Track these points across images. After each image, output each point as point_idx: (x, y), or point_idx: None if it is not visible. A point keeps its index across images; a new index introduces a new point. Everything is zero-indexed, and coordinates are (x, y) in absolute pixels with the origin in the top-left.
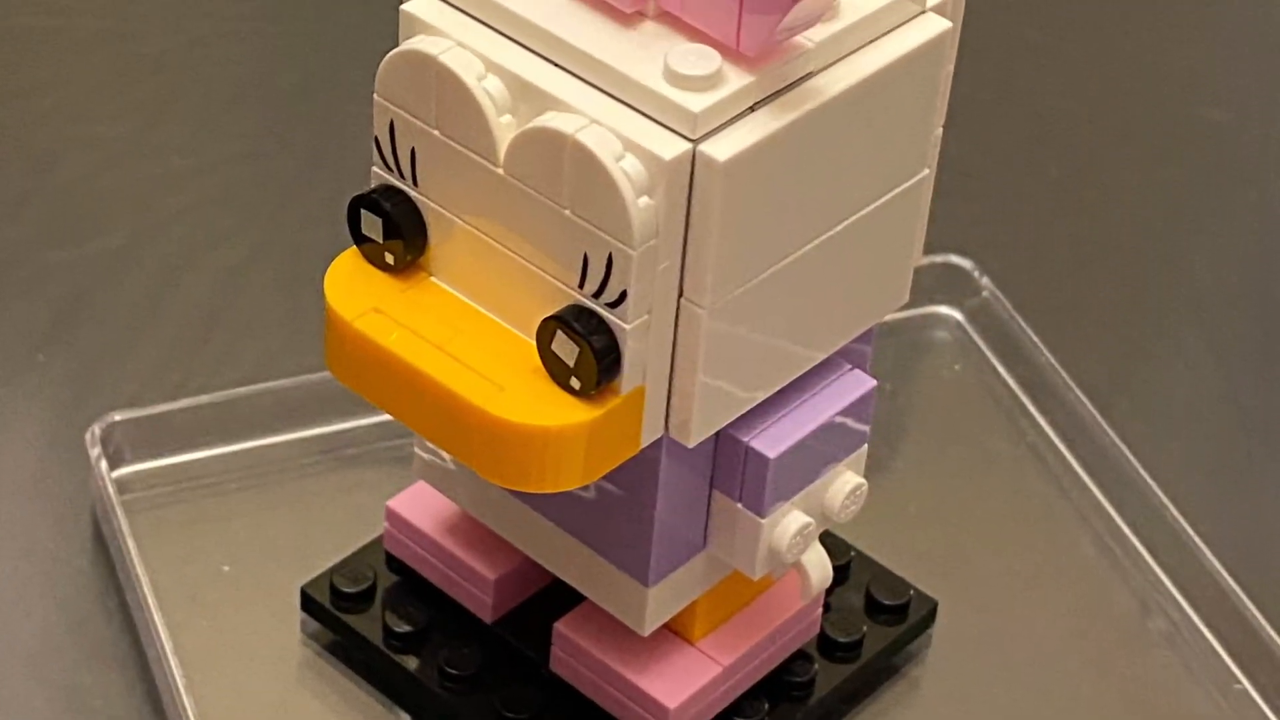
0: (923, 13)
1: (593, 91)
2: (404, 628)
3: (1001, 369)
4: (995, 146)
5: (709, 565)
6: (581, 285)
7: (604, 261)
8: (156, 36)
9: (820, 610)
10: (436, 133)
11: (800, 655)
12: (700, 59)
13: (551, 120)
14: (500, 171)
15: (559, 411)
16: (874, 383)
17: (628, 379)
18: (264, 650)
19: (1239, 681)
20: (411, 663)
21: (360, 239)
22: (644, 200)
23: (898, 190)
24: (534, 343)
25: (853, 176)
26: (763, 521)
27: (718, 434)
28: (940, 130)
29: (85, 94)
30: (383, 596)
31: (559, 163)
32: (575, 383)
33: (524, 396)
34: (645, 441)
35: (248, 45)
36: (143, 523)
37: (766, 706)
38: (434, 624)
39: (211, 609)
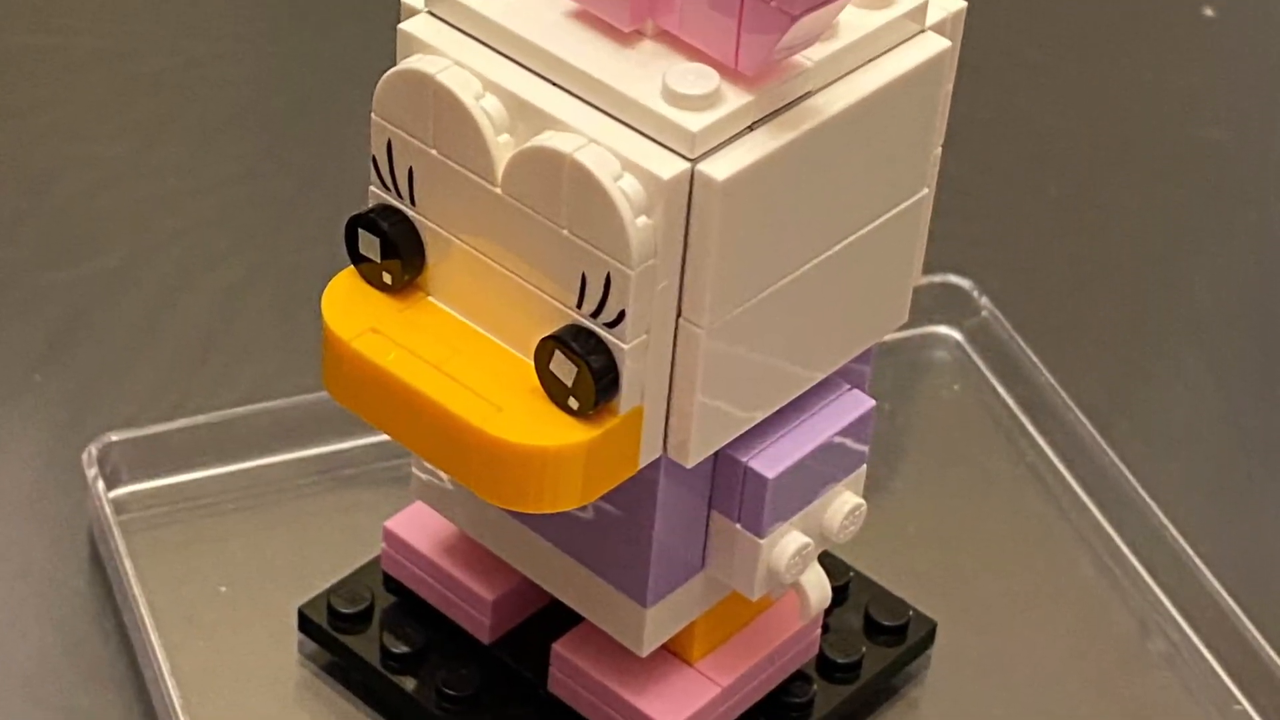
0: (922, 31)
1: (591, 111)
2: (402, 648)
3: (1001, 389)
4: (995, 166)
5: (707, 586)
6: (579, 305)
7: (602, 281)
8: (154, 56)
9: (819, 631)
10: (434, 152)
11: (799, 676)
12: (699, 78)
13: (549, 139)
14: (498, 191)
15: (557, 432)
16: (873, 403)
17: (626, 399)
18: (261, 671)
19: (1239, 702)
20: (409, 684)
21: (358, 259)
22: (642, 220)
23: (897, 210)
24: (532, 363)
25: (852, 196)
26: (761, 542)
27: (716, 454)
28: (939, 149)
29: (82, 113)
30: (380, 617)
31: (557, 182)
32: (573, 403)
33: (522, 416)
34: (643, 462)
35: (245, 65)
36: (140, 543)
37: None
38: (432, 645)
39: (209, 629)
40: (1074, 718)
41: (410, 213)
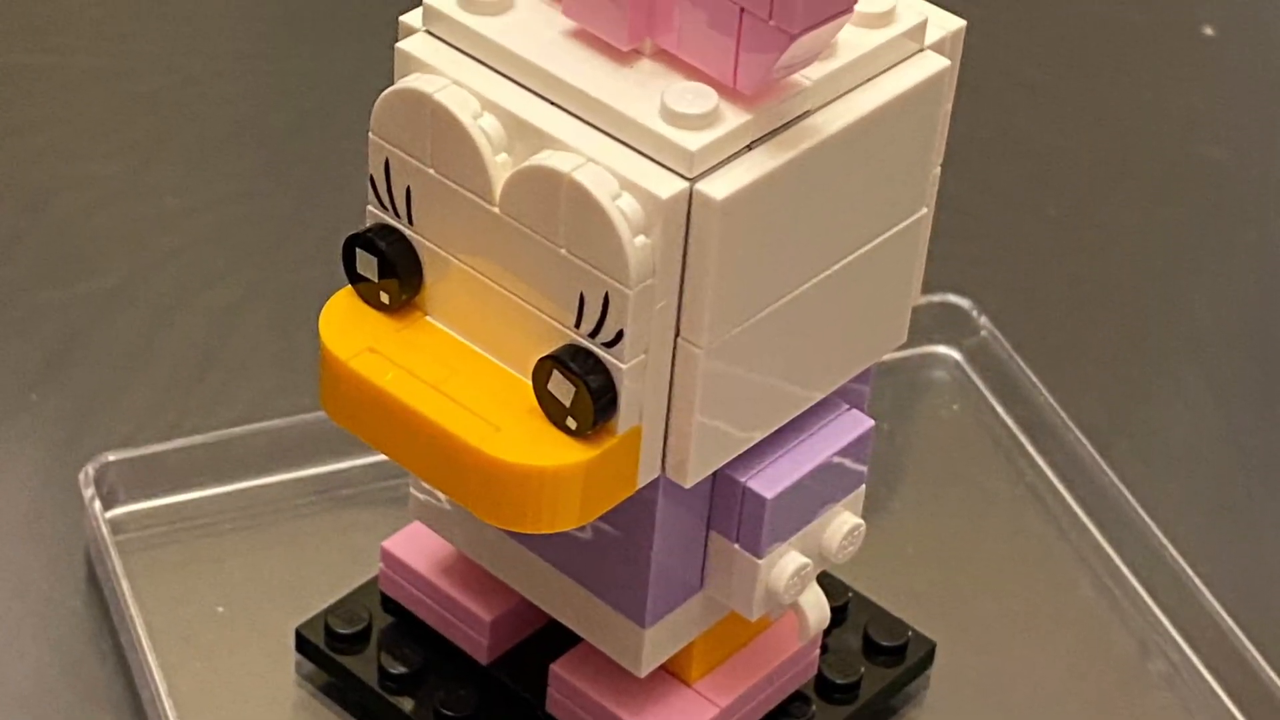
0: (921, 50)
1: (589, 130)
2: (399, 669)
3: (1000, 409)
4: (994, 185)
5: (706, 606)
6: (578, 325)
7: (600, 301)
8: (151, 75)
9: (818, 651)
10: (432, 171)
11: (798, 697)
12: (697, 97)
13: (547, 159)
14: (496, 210)
15: (555, 452)
16: (872, 423)
17: (624, 419)
18: (258, 692)
19: None
20: (407, 704)
21: (355, 278)
22: (640, 239)
23: (896, 229)
24: (530, 382)
25: (850, 215)
26: (760, 562)
27: (715, 474)
28: (939, 168)
29: (79, 132)
30: (378, 637)
31: (555, 201)
32: (571, 423)
33: (520, 437)
34: (642, 482)
35: (242, 84)
36: (137, 563)
37: None
38: (430, 665)
39: (206, 650)
40: None
41: (408, 232)
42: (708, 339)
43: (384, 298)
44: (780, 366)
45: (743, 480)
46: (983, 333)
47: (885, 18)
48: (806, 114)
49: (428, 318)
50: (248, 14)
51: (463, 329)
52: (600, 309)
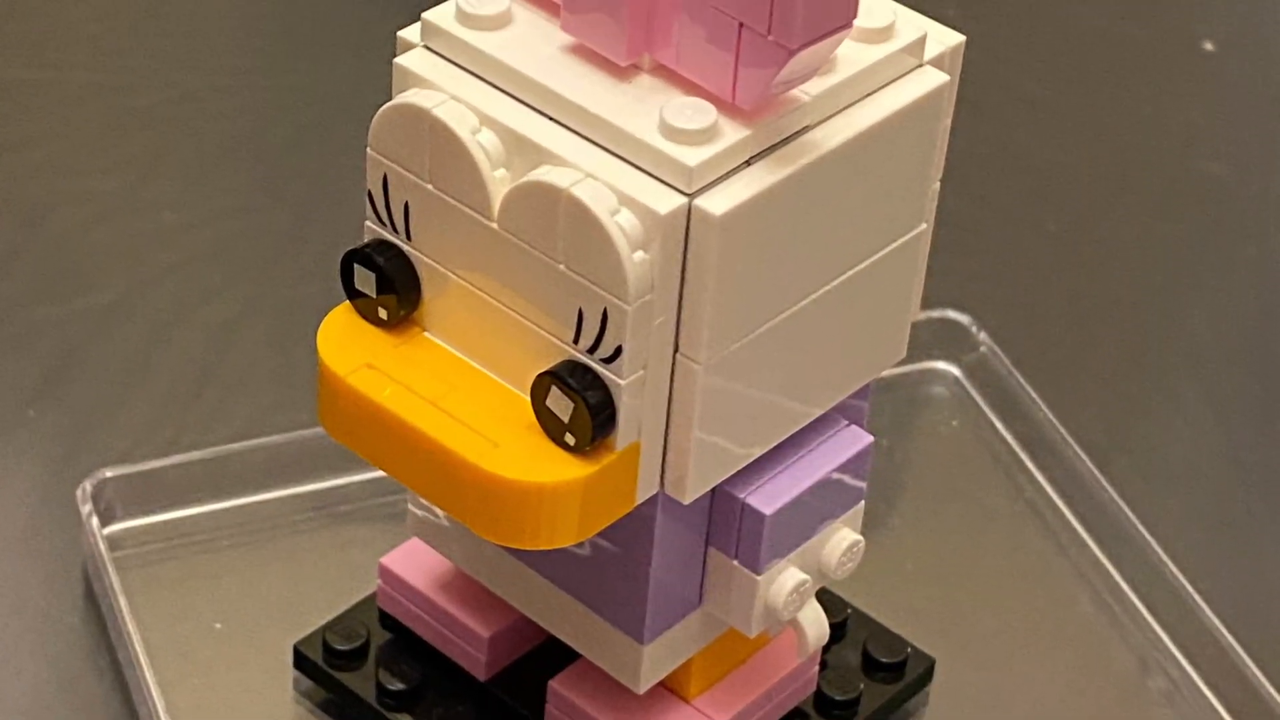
0: (920, 66)
1: (588, 145)
2: (397, 685)
3: (999, 425)
4: (993, 201)
5: (705, 623)
6: (576, 340)
7: (599, 317)
8: (148, 90)
9: (817, 668)
10: (430, 187)
11: (797, 713)
12: (696, 112)
13: (546, 174)
14: (494, 226)
15: (553, 468)
16: (871, 439)
17: (623, 435)
18: (256, 708)
19: None
20: None
21: (353, 294)
22: (639, 255)
23: (895, 244)
24: (528, 398)
25: (850, 231)
26: (759, 578)
27: (713, 490)
28: (938, 184)
29: (76, 148)
30: (376, 654)
31: (553, 217)
32: (570, 439)
33: (518, 453)
34: (640, 498)
35: (240, 99)
36: (134, 580)
37: None
38: (428, 682)
39: (203, 666)
40: None
41: (406, 248)
42: (706, 355)
43: (382, 313)
44: (779, 382)
45: (741, 496)
46: (982, 348)
47: (884, 33)
48: (806, 129)
49: (426, 333)
50: (246, 29)
51: (461, 345)
52: (599, 325)
